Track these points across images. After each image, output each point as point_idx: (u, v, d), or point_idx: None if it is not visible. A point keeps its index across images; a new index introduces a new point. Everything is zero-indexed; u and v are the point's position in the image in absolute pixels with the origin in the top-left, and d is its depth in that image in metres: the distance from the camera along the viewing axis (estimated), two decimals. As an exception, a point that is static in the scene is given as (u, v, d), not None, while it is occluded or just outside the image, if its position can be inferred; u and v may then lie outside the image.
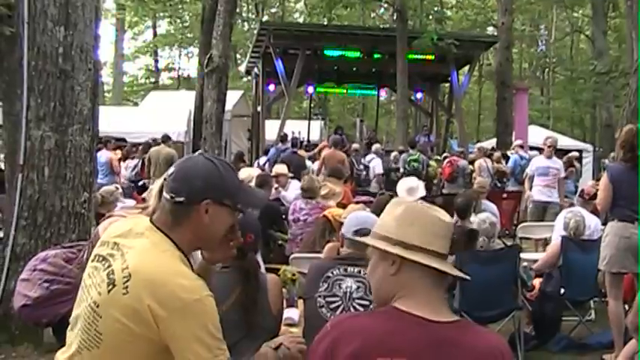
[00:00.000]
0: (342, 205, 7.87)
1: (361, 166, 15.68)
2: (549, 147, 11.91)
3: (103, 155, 14.19)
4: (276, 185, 9.91)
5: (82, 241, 4.54)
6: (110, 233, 2.48)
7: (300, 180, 9.56)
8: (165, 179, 2.43)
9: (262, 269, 4.75)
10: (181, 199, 2.34)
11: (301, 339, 2.89)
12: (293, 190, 10.15)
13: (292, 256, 6.83)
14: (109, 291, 2.27)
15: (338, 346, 2.01)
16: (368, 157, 16.23)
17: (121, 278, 2.25)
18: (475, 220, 6.83)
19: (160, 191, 2.42)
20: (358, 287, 3.88)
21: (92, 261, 2.44)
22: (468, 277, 2.19)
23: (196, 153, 2.63)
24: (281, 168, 11.04)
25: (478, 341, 2.06)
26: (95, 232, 4.16)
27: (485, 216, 6.83)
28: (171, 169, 2.44)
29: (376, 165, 15.87)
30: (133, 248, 2.33)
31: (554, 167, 11.77)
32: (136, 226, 2.44)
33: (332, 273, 3.95)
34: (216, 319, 2.27)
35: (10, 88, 6.95)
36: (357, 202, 8.56)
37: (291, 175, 10.90)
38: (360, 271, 3.89)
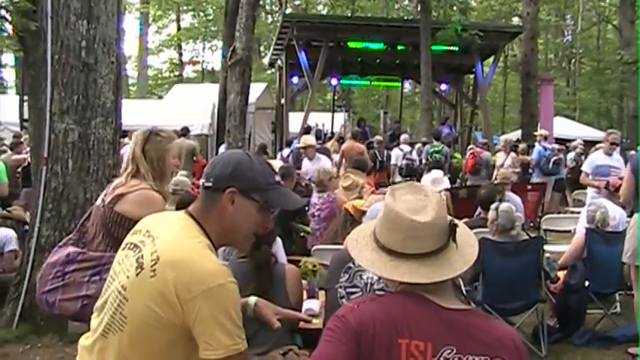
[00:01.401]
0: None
1: (415, 157, 15.70)
2: (612, 144, 10.40)
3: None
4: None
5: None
6: (144, 223, 2.54)
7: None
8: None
9: (284, 260, 4.78)
10: (210, 183, 2.41)
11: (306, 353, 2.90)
12: (318, 163, 10.23)
13: (314, 247, 6.83)
14: (137, 274, 2.31)
15: (362, 325, 2.01)
16: (406, 148, 16.18)
17: (149, 262, 2.29)
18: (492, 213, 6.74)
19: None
20: (379, 278, 3.87)
21: (123, 249, 2.50)
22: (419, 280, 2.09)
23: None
24: (309, 138, 11.05)
25: (491, 329, 2.07)
26: (102, 213, 4.14)
27: (507, 206, 6.76)
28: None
29: (416, 156, 15.94)
30: (163, 234, 2.38)
31: (615, 166, 10.09)
32: (170, 216, 2.54)
33: (353, 264, 3.95)
34: (239, 307, 2.29)
35: (36, 82, 7.03)
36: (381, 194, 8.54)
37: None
38: None
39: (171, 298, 2.22)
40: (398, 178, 15.26)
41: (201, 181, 2.46)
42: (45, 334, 6.58)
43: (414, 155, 16.00)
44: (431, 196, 2.15)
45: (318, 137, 17.83)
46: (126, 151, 4.90)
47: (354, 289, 3.89)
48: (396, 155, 16.15)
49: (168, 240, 2.34)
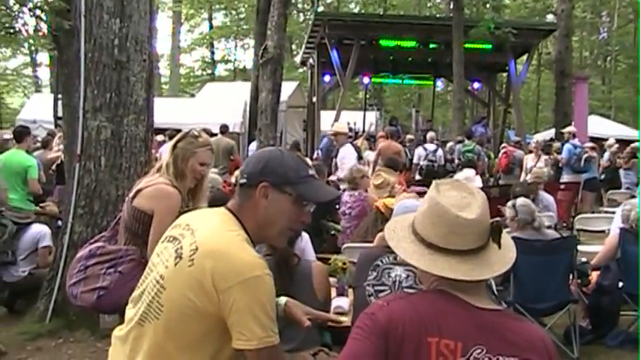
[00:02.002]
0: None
1: (434, 158, 15.59)
2: None
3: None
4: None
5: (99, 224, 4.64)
6: (184, 217, 2.61)
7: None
8: None
9: (312, 257, 4.79)
10: (244, 180, 2.47)
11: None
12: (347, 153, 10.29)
13: (344, 245, 6.83)
14: (175, 264, 2.36)
15: (391, 323, 2.01)
16: (430, 147, 16.07)
17: (188, 252, 2.34)
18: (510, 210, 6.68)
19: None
20: (408, 276, 3.86)
21: (162, 242, 2.55)
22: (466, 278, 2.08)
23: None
24: (341, 126, 11.07)
25: (522, 330, 2.05)
26: (128, 207, 4.22)
27: (523, 200, 6.70)
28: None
29: (440, 156, 15.80)
30: (203, 227, 2.43)
31: None
32: (209, 211, 2.60)
33: (381, 261, 3.94)
34: (273, 300, 2.33)
35: (70, 80, 7.10)
36: (417, 193, 8.51)
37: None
38: None
39: (208, 287, 2.26)
40: (417, 177, 15.14)
41: (237, 178, 2.52)
42: (77, 329, 6.66)
43: (438, 154, 15.83)
44: (476, 194, 2.15)
45: (349, 136, 17.76)
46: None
47: (382, 287, 3.88)
48: (419, 154, 16.00)
49: (207, 232, 2.39)
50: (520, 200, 6.69)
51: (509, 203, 6.70)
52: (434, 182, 2.24)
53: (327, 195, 2.72)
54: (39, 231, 7.77)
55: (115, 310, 4.50)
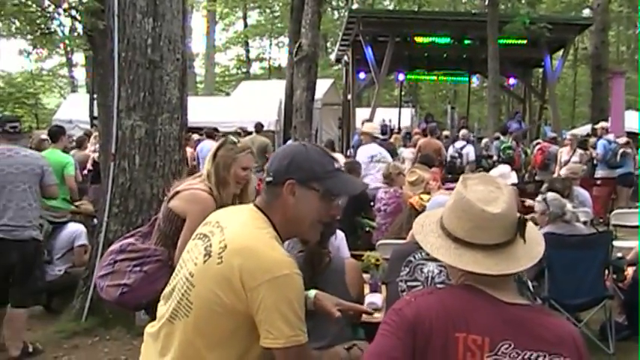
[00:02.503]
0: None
1: (456, 154, 15.47)
2: None
3: (206, 146, 14.33)
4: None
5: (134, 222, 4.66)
6: (214, 215, 2.61)
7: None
8: None
9: (346, 254, 4.77)
10: (270, 178, 2.46)
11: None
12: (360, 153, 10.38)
13: (379, 242, 6.81)
14: (204, 261, 2.37)
15: (419, 319, 2.00)
16: (458, 144, 15.95)
17: (217, 250, 2.34)
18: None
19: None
20: (440, 271, 3.84)
21: (193, 239, 2.56)
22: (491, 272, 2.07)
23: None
24: (368, 126, 11.14)
25: (551, 325, 2.03)
26: (164, 207, 4.25)
27: (553, 194, 6.64)
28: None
29: (469, 152, 15.65)
30: (232, 224, 2.43)
31: None
32: (239, 208, 2.61)
33: (414, 257, 3.92)
34: (302, 298, 2.32)
35: (105, 80, 7.17)
36: (447, 189, 8.46)
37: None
38: None
39: (236, 285, 2.26)
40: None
41: (264, 176, 2.51)
42: (113, 327, 6.73)
43: (465, 150, 15.68)
44: (503, 188, 2.14)
45: (383, 132, 17.73)
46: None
47: (415, 283, 3.85)
48: (450, 152, 15.93)
49: (236, 229, 2.40)
50: (550, 194, 6.65)
51: (539, 197, 6.67)
52: (462, 177, 2.23)
53: (355, 188, 2.74)
54: (75, 230, 7.85)
55: (136, 307, 4.56)
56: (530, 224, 2.11)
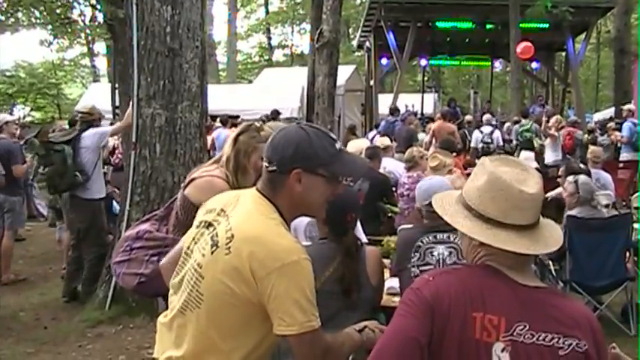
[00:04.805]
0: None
1: (488, 139, 15.38)
2: None
3: (222, 133, 14.34)
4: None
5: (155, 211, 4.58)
6: (217, 201, 2.57)
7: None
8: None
9: (364, 239, 4.75)
10: (274, 167, 2.40)
11: (383, 327, 2.85)
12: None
13: (400, 227, 6.77)
14: (212, 252, 2.34)
15: (437, 298, 2.00)
16: (486, 129, 15.84)
17: (224, 240, 2.32)
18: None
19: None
20: (450, 253, 3.86)
21: (197, 227, 2.53)
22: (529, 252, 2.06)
23: (293, 123, 2.61)
24: (384, 140, 10.99)
25: (567, 308, 2.02)
26: (181, 195, 4.17)
27: (585, 178, 6.58)
28: (269, 138, 2.50)
29: (498, 136, 15.58)
30: (237, 212, 2.40)
31: None
32: (242, 194, 2.52)
33: (422, 242, 3.93)
34: (312, 284, 2.29)
35: (125, 69, 7.16)
36: (468, 175, 8.39)
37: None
38: (449, 237, 3.87)
39: (245, 274, 2.24)
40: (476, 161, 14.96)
41: (264, 163, 2.45)
42: (137, 315, 6.77)
43: (495, 135, 15.60)
44: (529, 170, 2.13)
45: (392, 113, 17.76)
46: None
47: (427, 267, 3.86)
48: (476, 137, 15.82)
49: (242, 218, 2.37)
50: (583, 178, 6.60)
51: (571, 178, 6.60)
52: (482, 159, 2.20)
53: (360, 169, 2.71)
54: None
55: (153, 296, 4.52)
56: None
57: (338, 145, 2.47)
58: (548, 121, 14.62)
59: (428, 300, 2.01)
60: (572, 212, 6.31)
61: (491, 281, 2.02)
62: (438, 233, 3.92)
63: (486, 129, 15.83)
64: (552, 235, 2.10)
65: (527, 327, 1.94)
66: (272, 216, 2.38)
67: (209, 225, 2.45)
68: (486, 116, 17.21)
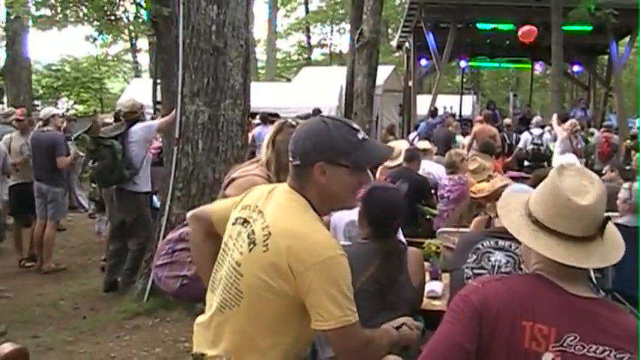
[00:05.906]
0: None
1: (539, 141, 15.26)
2: None
3: (263, 132, 14.37)
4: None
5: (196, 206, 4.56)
6: (251, 197, 2.59)
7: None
8: None
9: (402, 240, 4.78)
10: (297, 162, 2.43)
11: (420, 324, 2.89)
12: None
13: (439, 230, 6.79)
14: (250, 250, 2.38)
15: (485, 305, 2.01)
16: (536, 132, 15.70)
17: (261, 237, 2.36)
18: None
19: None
20: (507, 261, 3.80)
21: (233, 224, 2.56)
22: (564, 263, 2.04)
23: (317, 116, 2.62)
24: (424, 144, 10.97)
25: (618, 320, 2.01)
26: (221, 194, 4.15)
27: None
28: (292, 134, 2.52)
29: (548, 138, 15.39)
30: (273, 209, 2.43)
31: None
32: (275, 190, 2.55)
33: (482, 245, 3.89)
34: (349, 279, 2.31)
35: (168, 65, 7.26)
36: (510, 177, 8.36)
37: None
38: (510, 245, 3.82)
39: (283, 269, 2.28)
40: (526, 163, 14.84)
41: (289, 158, 2.47)
42: (174, 309, 6.84)
43: (545, 137, 15.48)
44: (596, 184, 2.11)
45: (433, 115, 17.71)
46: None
47: (481, 271, 3.83)
48: (525, 139, 15.67)
49: (278, 214, 2.41)
50: (637, 185, 6.54)
51: (626, 185, 6.54)
52: (559, 164, 2.21)
53: (383, 155, 2.68)
54: None
55: (195, 299, 4.49)
56: (611, 226, 2.10)
57: (361, 135, 2.46)
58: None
59: (476, 306, 2.02)
60: (621, 220, 6.22)
61: (542, 290, 2.03)
62: (500, 240, 3.88)
63: (536, 131, 15.71)
64: (602, 255, 2.08)
65: (578, 338, 1.94)
66: (307, 211, 2.42)
67: (245, 222, 2.49)
68: (536, 118, 17.03)
